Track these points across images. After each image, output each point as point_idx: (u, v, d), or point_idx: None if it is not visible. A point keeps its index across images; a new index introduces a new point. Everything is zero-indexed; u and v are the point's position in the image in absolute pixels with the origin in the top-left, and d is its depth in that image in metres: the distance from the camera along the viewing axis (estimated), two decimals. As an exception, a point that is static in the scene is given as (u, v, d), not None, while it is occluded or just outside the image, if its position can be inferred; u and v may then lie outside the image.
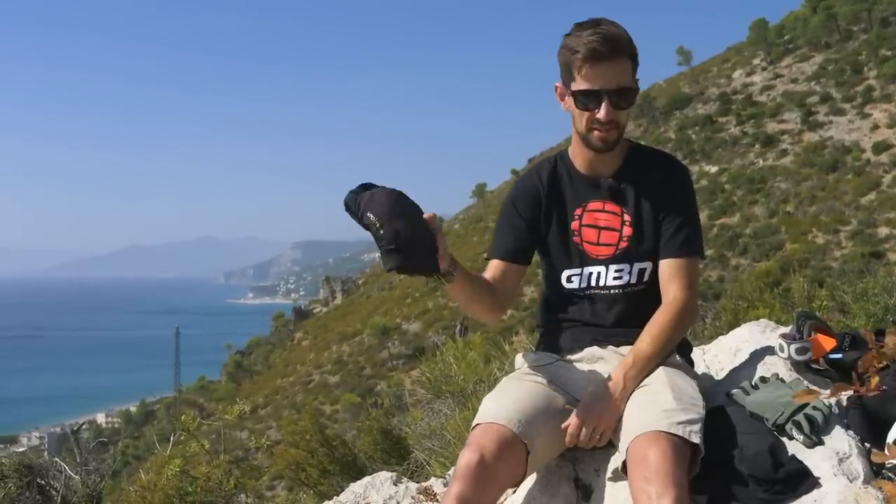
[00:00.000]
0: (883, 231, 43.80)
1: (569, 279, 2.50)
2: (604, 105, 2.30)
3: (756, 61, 70.49)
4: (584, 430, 2.27)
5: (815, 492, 2.11)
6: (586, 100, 2.32)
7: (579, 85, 2.31)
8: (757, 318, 3.77)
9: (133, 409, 78.78)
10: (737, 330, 3.18)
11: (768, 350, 2.65)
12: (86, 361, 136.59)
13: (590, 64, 2.27)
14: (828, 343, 2.43)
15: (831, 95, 59.38)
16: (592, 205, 2.48)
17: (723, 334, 3.38)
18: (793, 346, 2.45)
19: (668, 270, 2.42)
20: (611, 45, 2.27)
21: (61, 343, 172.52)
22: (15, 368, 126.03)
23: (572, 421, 2.29)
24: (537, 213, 2.52)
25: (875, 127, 54.14)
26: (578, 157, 2.51)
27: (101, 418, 79.84)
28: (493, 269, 2.51)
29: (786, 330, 2.75)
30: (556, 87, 2.42)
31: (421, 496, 2.86)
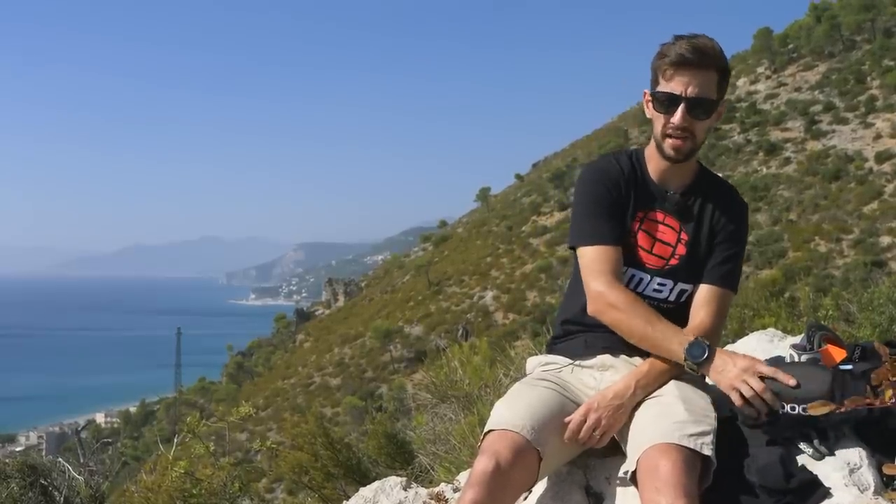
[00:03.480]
0: (885, 240, 43.70)
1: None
2: (679, 110, 2.32)
3: (760, 70, 70.44)
4: (584, 426, 2.29)
5: (826, 502, 2.13)
6: (664, 103, 2.34)
7: (661, 88, 2.35)
8: (763, 327, 3.79)
9: (133, 409, 78.65)
10: (744, 339, 3.19)
11: (777, 360, 2.65)
12: (86, 361, 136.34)
13: (675, 69, 2.31)
14: (838, 354, 2.43)
15: (835, 104, 59.31)
16: (656, 214, 2.48)
17: (729, 343, 3.39)
18: (803, 357, 2.45)
19: (705, 295, 2.44)
20: (699, 55, 2.30)
21: (61, 342, 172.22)
22: (14, 367, 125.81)
23: (575, 416, 2.31)
24: (621, 197, 2.47)
25: (878, 136, 54.08)
26: (652, 162, 2.51)
27: (100, 418, 79.71)
28: (609, 255, 2.41)
29: (795, 340, 2.76)
30: (645, 93, 2.43)
31: (433, 502, 2.86)
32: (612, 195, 2.45)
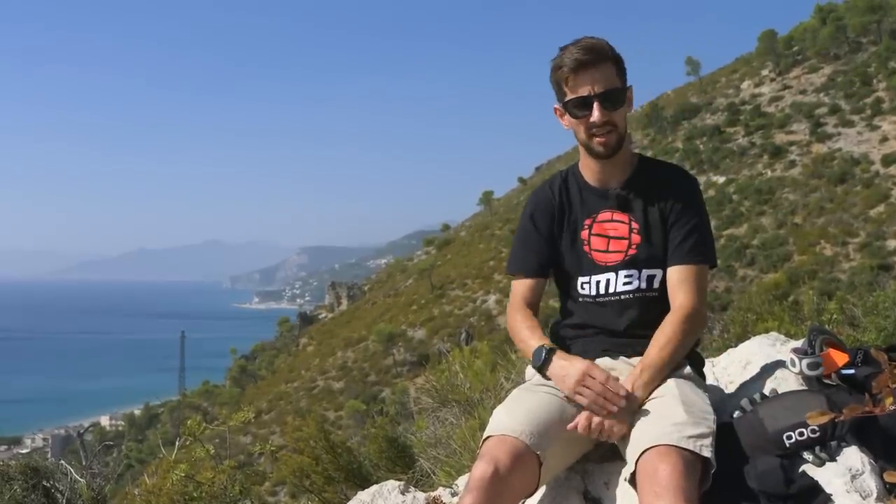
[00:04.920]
0: (892, 243, 43.50)
1: (581, 286, 2.55)
2: (595, 107, 2.40)
3: (765, 72, 70.27)
4: (592, 428, 2.25)
5: (828, 509, 2.09)
6: (578, 107, 2.42)
7: (569, 95, 2.43)
8: (766, 331, 3.76)
9: (137, 412, 78.72)
10: (746, 343, 3.17)
11: (779, 364, 2.64)
12: (90, 364, 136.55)
13: (575, 74, 2.40)
14: (840, 358, 2.41)
15: (840, 107, 59.08)
16: (602, 215, 2.55)
17: (732, 347, 3.37)
18: (804, 361, 2.43)
19: (676, 277, 2.46)
20: (592, 54, 2.39)
21: (66, 345, 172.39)
22: (20, 370, 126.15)
23: (581, 419, 2.27)
24: (552, 224, 2.59)
25: (884, 139, 53.88)
26: (587, 169, 2.58)
27: (104, 421, 79.79)
28: (523, 287, 2.61)
29: (797, 344, 2.73)
30: (555, 109, 2.52)
31: (429, 507, 2.84)
32: (539, 226, 2.60)
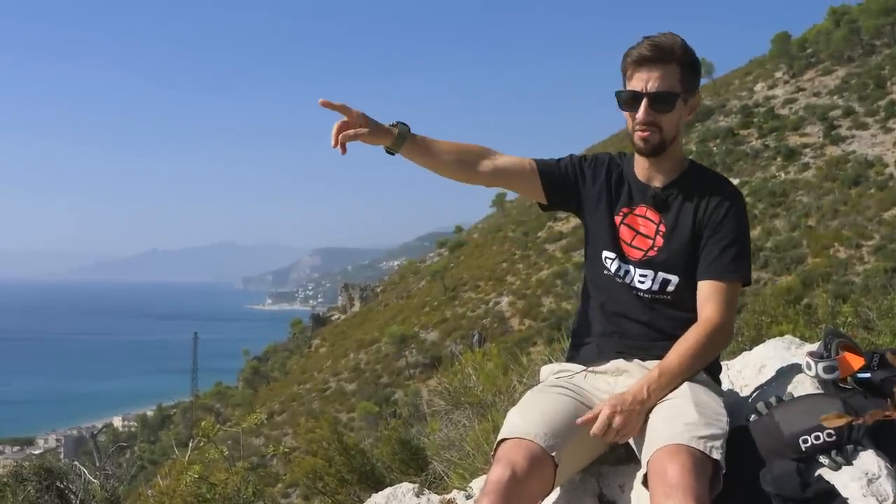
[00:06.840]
0: (906, 246, 43.19)
1: (605, 259, 2.55)
2: (642, 105, 2.39)
3: (778, 74, 69.98)
4: (610, 429, 2.22)
5: (844, 513, 2.08)
6: (627, 101, 2.42)
7: (626, 86, 2.43)
8: (781, 334, 3.74)
9: (150, 413, 79.03)
10: (761, 346, 3.16)
11: (794, 367, 2.63)
12: (103, 365, 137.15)
13: (635, 67, 2.40)
14: (856, 362, 2.40)
15: (854, 109, 58.78)
16: (639, 209, 2.55)
17: (746, 350, 3.36)
18: (820, 365, 2.42)
19: (706, 290, 2.44)
20: (657, 52, 2.37)
21: (79, 346, 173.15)
22: (33, 370, 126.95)
23: (601, 417, 2.22)
24: (588, 181, 2.60)
25: (898, 141, 53.61)
26: (637, 162, 2.58)
27: (117, 422, 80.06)
28: (524, 160, 2.61)
29: (812, 347, 2.72)
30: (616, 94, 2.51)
31: (444, 509, 2.84)
32: (576, 167, 2.61)
